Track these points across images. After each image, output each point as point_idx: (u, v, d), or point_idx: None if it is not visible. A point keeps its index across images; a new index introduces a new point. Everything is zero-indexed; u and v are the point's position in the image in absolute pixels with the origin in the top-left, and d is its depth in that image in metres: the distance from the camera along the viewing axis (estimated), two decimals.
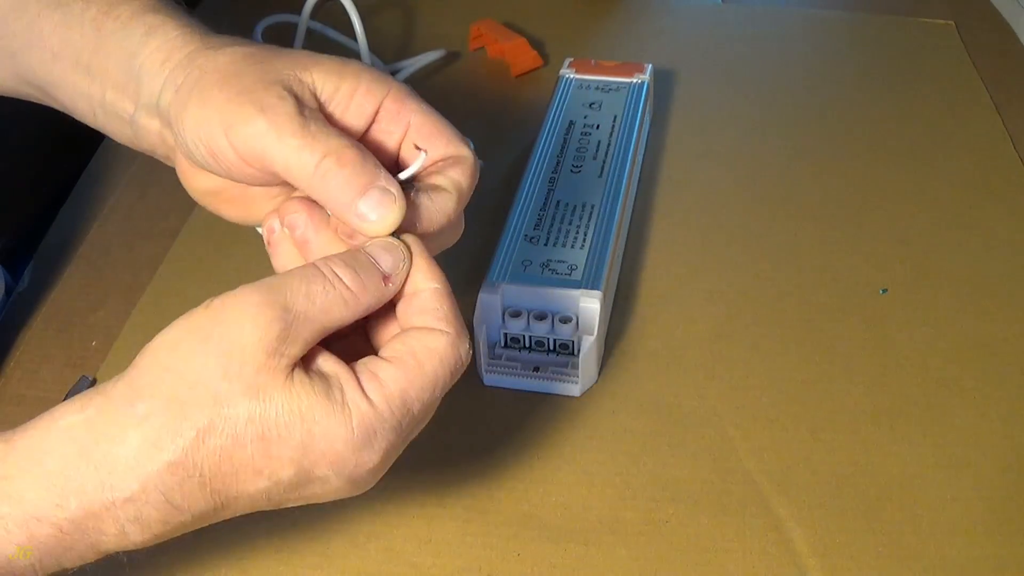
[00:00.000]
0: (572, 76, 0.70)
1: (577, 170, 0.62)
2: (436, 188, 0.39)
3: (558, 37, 0.82)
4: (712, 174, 0.69)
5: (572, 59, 0.72)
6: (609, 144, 0.64)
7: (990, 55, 0.81)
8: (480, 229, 0.61)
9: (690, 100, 0.76)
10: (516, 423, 0.52)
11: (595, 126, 0.65)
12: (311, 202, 0.39)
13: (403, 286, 0.37)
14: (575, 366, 0.52)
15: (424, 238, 0.38)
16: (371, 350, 0.37)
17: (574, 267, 0.54)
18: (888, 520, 0.47)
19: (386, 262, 0.36)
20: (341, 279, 0.35)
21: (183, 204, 0.66)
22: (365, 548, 0.46)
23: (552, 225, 0.57)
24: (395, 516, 0.47)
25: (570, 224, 0.57)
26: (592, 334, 0.52)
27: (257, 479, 0.34)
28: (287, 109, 0.37)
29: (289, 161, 0.37)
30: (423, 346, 0.36)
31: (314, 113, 0.38)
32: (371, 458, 0.35)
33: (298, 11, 0.73)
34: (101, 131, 0.45)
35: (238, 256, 0.62)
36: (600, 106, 0.67)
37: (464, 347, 0.37)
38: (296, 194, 0.40)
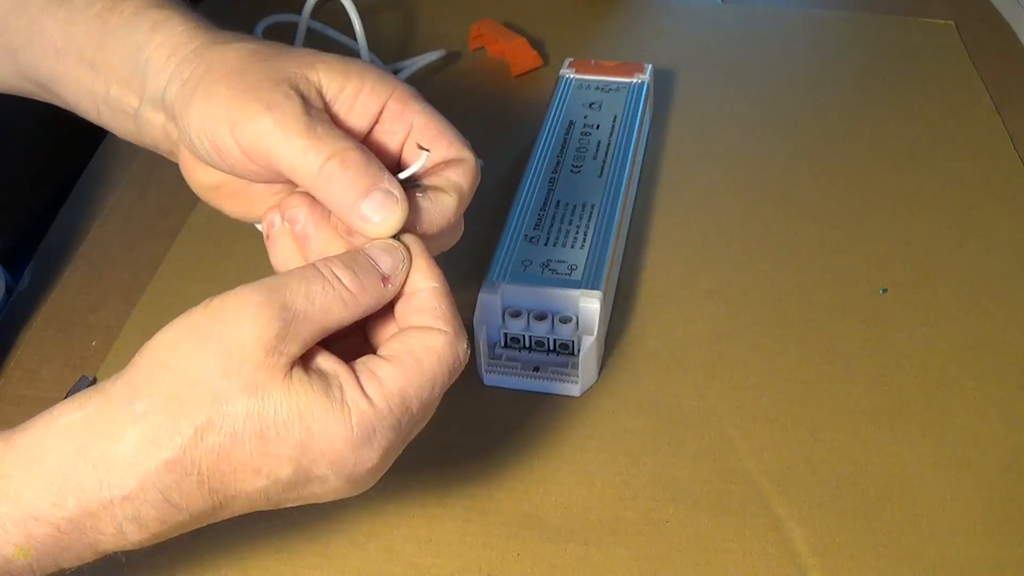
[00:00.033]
0: (572, 76, 0.70)
1: (577, 170, 0.62)
2: (437, 190, 0.39)
3: (558, 37, 0.82)
4: (712, 174, 0.69)
5: (572, 59, 0.72)
6: (609, 144, 0.64)
7: (990, 55, 0.81)
8: (480, 229, 0.61)
9: (690, 100, 0.76)
10: (516, 423, 0.52)
11: (595, 126, 0.65)
12: (312, 198, 0.39)
13: (402, 286, 0.37)
14: (575, 366, 0.52)
15: (424, 239, 0.38)
16: (370, 350, 0.37)
17: (574, 267, 0.54)
18: (888, 520, 0.47)
19: (385, 263, 0.37)
20: (340, 280, 0.35)
21: (183, 204, 0.66)
22: (365, 548, 0.46)
23: (552, 225, 0.57)
24: (395, 516, 0.47)
25: (570, 224, 0.57)
26: (592, 334, 0.52)
27: (256, 478, 0.34)
28: (294, 109, 0.37)
29: (294, 161, 0.37)
30: (422, 345, 0.36)
31: (320, 113, 0.38)
32: (370, 457, 0.35)
33: (298, 11, 0.73)
34: (104, 127, 0.45)
35: (238, 256, 0.62)
36: (600, 106, 0.67)
37: (462, 346, 0.37)
38: (298, 189, 0.40)
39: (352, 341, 0.38)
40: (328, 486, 0.35)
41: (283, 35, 0.74)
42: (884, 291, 0.59)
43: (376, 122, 0.40)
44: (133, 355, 0.34)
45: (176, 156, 0.43)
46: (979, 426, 0.51)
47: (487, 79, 0.78)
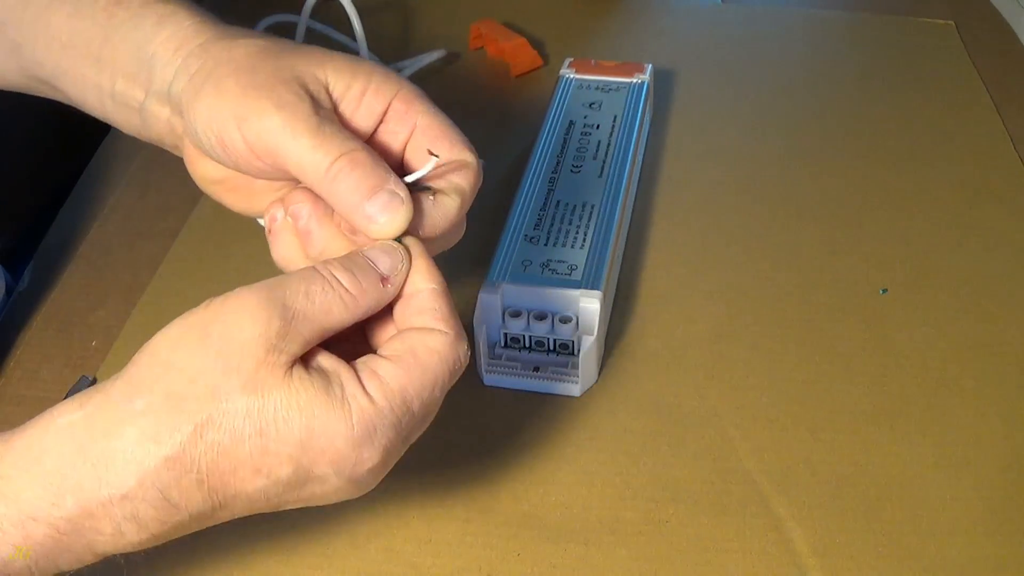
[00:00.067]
0: (572, 76, 0.70)
1: (577, 170, 0.62)
2: (439, 192, 0.39)
3: (558, 37, 0.82)
4: (712, 174, 0.69)
5: (572, 59, 0.72)
6: (609, 144, 0.64)
7: (990, 55, 0.81)
8: (480, 229, 0.61)
9: (690, 100, 0.76)
10: (516, 423, 0.52)
11: (595, 126, 0.65)
12: (316, 194, 0.39)
13: (402, 287, 0.37)
14: (575, 366, 0.52)
15: (426, 240, 0.38)
16: (371, 352, 0.37)
17: (574, 267, 0.54)
18: (888, 520, 0.47)
19: (384, 264, 0.37)
20: (339, 281, 0.35)
21: (183, 204, 0.66)
22: (365, 548, 0.46)
23: (552, 225, 0.57)
24: (395, 516, 0.47)
25: (570, 224, 0.57)
26: (592, 334, 0.52)
27: (255, 477, 0.33)
28: (303, 108, 0.37)
29: (302, 160, 0.37)
30: (423, 345, 0.36)
31: (328, 113, 0.38)
32: (371, 456, 0.34)
33: (298, 11, 0.73)
34: (109, 122, 0.45)
35: (238, 256, 0.62)
36: (600, 106, 0.67)
37: (463, 347, 0.37)
38: (301, 185, 0.40)
39: (352, 344, 0.38)
40: (328, 486, 0.35)
41: (283, 34, 0.73)
42: (884, 291, 0.59)
43: (381, 122, 0.40)
44: (133, 355, 0.34)
45: (180, 150, 0.43)
46: (979, 426, 0.51)
47: (487, 79, 0.78)
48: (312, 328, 0.34)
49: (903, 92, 0.77)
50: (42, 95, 0.47)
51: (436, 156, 0.38)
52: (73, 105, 0.46)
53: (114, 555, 0.34)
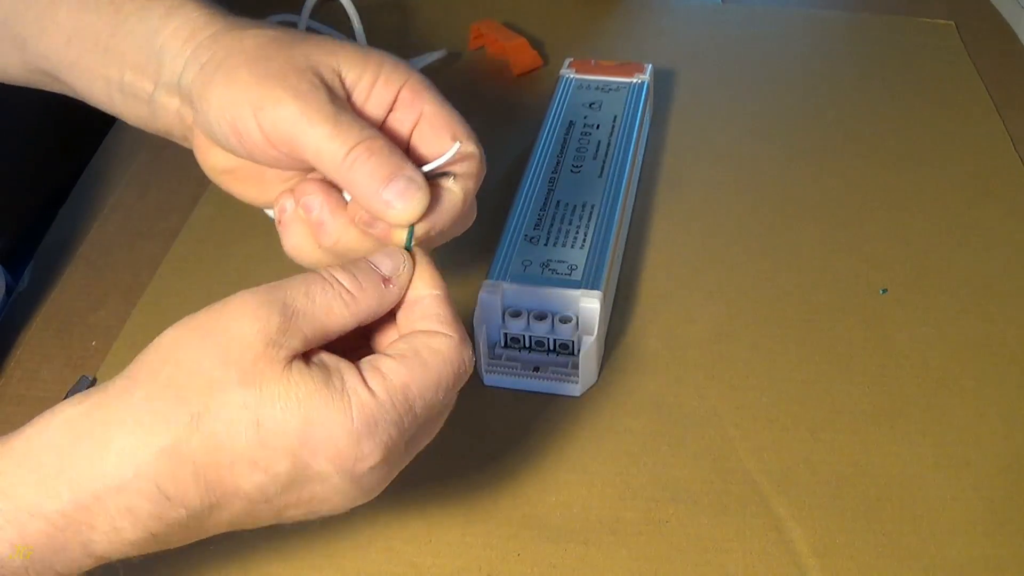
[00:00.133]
0: (572, 76, 0.70)
1: (577, 170, 0.62)
2: (457, 176, 0.39)
3: (558, 37, 0.82)
4: (712, 174, 0.69)
5: (572, 59, 0.72)
6: (609, 144, 0.64)
7: (990, 55, 0.81)
8: (480, 229, 0.61)
9: (690, 100, 0.76)
10: (516, 423, 0.52)
11: (595, 126, 0.65)
12: (327, 185, 0.39)
13: (406, 291, 0.37)
14: (575, 366, 0.52)
15: (434, 230, 0.39)
16: None
17: (574, 267, 0.54)
18: (888, 520, 0.47)
19: (386, 267, 0.37)
20: (340, 282, 0.35)
21: (183, 204, 0.66)
22: (366, 548, 0.46)
23: (552, 225, 0.57)
24: (395, 516, 0.47)
25: (570, 224, 0.57)
26: (592, 334, 0.52)
27: (253, 472, 0.33)
28: (319, 97, 0.38)
29: (320, 148, 0.37)
30: (427, 346, 0.36)
31: (343, 102, 0.39)
32: (372, 452, 0.34)
33: (298, 11, 0.73)
34: (116, 114, 0.45)
35: (238, 256, 0.62)
36: (600, 106, 0.67)
37: (467, 352, 0.37)
38: (312, 175, 0.40)
39: (357, 353, 0.38)
40: (329, 486, 0.34)
41: None
42: (884, 291, 0.59)
43: (390, 110, 0.41)
44: (133, 355, 0.34)
45: (189, 141, 0.43)
46: (979, 426, 0.51)
47: (487, 79, 0.78)
48: (313, 326, 0.34)
49: (903, 92, 0.77)
50: (46, 88, 0.47)
51: (458, 142, 0.39)
52: (78, 98, 0.46)
53: (112, 562, 0.34)
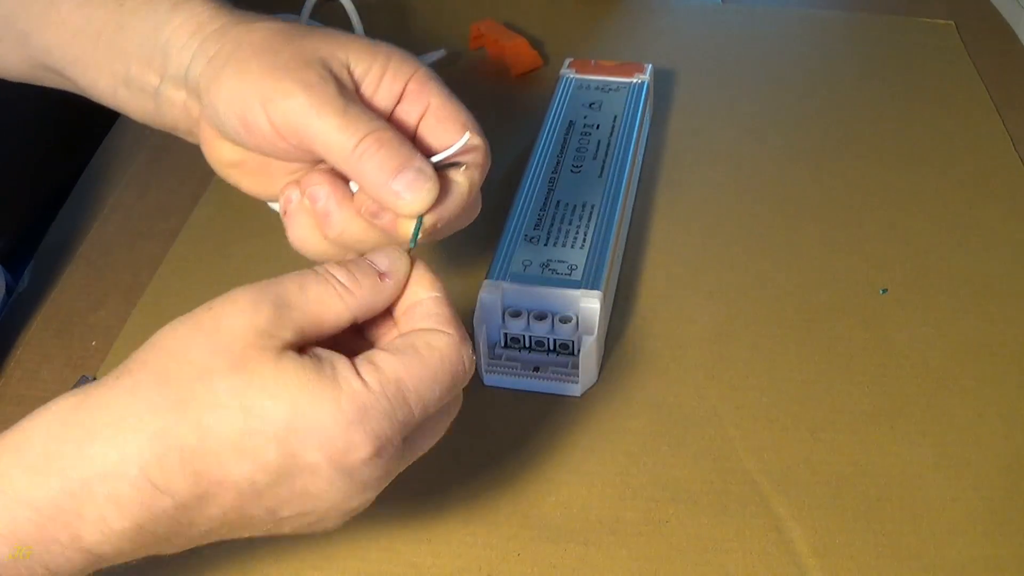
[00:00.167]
0: (572, 76, 0.70)
1: (577, 170, 0.62)
2: (467, 167, 0.39)
3: (558, 37, 0.82)
4: (712, 174, 0.69)
5: (572, 59, 0.72)
6: (609, 144, 0.64)
7: (990, 55, 0.81)
8: (480, 229, 0.61)
9: (690, 100, 0.76)
10: (516, 423, 0.52)
11: (595, 126, 0.65)
12: (333, 175, 0.40)
13: (404, 288, 0.37)
14: (575, 366, 0.52)
15: (441, 221, 0.39)
16: None
17: (574, 267, 0.54)
18: (888, 520, 0.47)
19: (383, 263, 0.37)
20: (335, 276, 0.35)
21: (183, 204, 0.66)
22: (365, 548, 0.46)
23: (552, 225, 0.57)
24: (395, 516, 0.47)
25: (570, 224, 0.57)
26: (592, 334, 0.52)
27: (240, 460, 0.32)
28: (328, 89, 0.38)
29: (329, 140, 0.37)
30: (424, 342, 0.36)
31: (352, 94, 0.39)
32: (362, 442, 0.33)
33: (298, 11, 0.73)
34: (119, 109, 0.45)
35: (238, 256, 0.62)
36: (600, 106, 0.67)
37: (466, 351, 0.36)
38: (320, 166, 0.40)
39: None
40: (322, 479, 0.34)
41: None
42: (884, 291, 0.59)
43: (397, 102, 0.41)
44: None
45: (194, 135, 0.43)
46: (979, 426, 0.51)
47: (487, 79, 0.78)
48: (306, 318, 0.34)
49: (903, 92, 0.77)
50: (49, 85, 0.47)
51: (467, 132, 0.39)
52: (82, 94, 0.46)
53: (103, 562, 0.33)
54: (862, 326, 0.57)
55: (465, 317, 0.38)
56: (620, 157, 0.62)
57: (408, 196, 0.37)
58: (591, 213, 0.58)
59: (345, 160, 0.38)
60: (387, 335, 0.38)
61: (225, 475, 0.33)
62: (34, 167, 0.70)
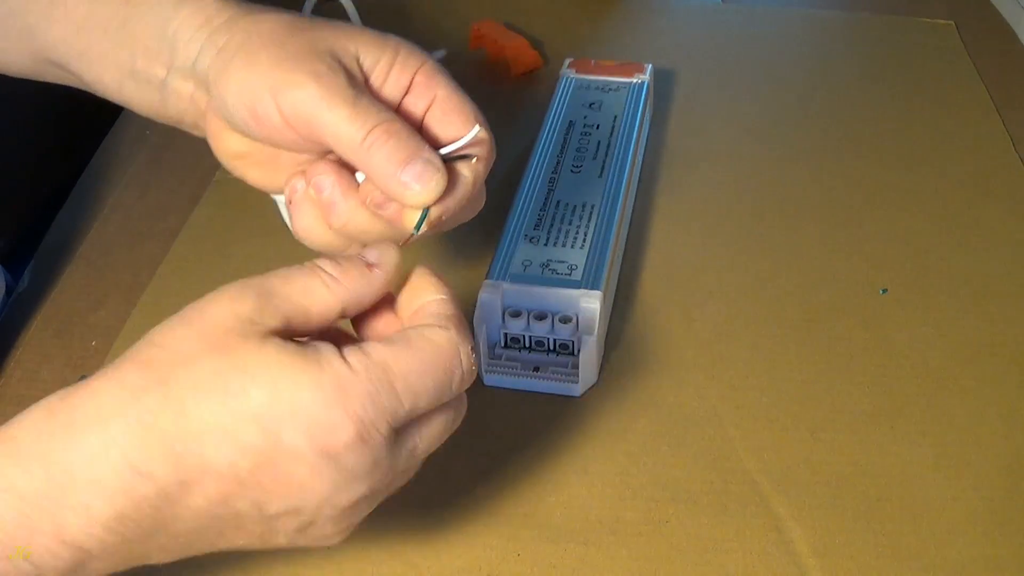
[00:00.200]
0: (572, 76, 0.70)
1: (577, 170, 0.62)
2: (477, 159, 0.40)
3: (558, 37, 0.82)
4: (712, 174, 0.69)
5: (572, 59, 0.72)
6: (609, 144, 0.64)
7: (990, 55, 0.81)
8: (480, 229, 0.61)
9: (690, 100, 0.76)
10: (516, 423, 0.52)
11: (595, 126, 0.65)
12: (339, 166, 0.40)
13: (393, 279, 0.37)
14: (575, 366, 0.52)
15: (446, 213, 0.39)
16: None
17: (574, 267, 0.54)
18: (888, 520, 0.47)
19: (372, 255, 0.37)
20: (322, 268, 0.35)
21: (183, 204, 0.66)
22: (365, 548, 0.46)
23: (552, 225, 0.57)
24: (395, 516, 0.47)
25: (570, 224, 0.57)
26: (592, 334, 0.52)
27: (221, 442, 0.32)
28: (338, 79, 0.38)
29: (339, 130, 0.38)
30: (419, 334, 0.35)
31: (361, 86, 0.39)
32: (343, 422, 0.32)
33: (298, 11, 0.73)
34: (124, 103, 0.45)
35: (238, 256, 0.62)
36: (600, 106, 0.67)
37: (464, 347, 0.36)
38: (330, 156, 0.40)
39: None
40: (304, 464, 0.32)
41: None
42: (884, 291, 0.59)
43: (405, 94, 0.41)
44: None
45: (200, 128, 0.43)
46: (979, 426, 0.51)
47: (487, 79, 0.78)
48: (292, 307, 0.34)
49: (903, 92, 0.77)
50: (53, 80, 0.47)
51: (477, 125, 0.39)
52: (86, 88, 0.46)
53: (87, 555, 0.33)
54: (862, 326, 0.57)
55: (465, 317, 0.38)
56: (620, 157, 0.62)
57: (416, 187, 0.37)
58: (591, 213, 0.58)
59: (354, 151, 0.38)
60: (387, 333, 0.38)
61: (206, 458, 0.32)
62: (34, 167, 0.70)
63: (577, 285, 0.53)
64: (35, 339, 0.57)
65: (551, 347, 0.53)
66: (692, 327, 0.57)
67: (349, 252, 0.39)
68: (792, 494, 0.48)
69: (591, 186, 0.60)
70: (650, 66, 0.71)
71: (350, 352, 0.34)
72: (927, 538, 0.46)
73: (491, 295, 0.52)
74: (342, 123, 0.37)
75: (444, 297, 0.37)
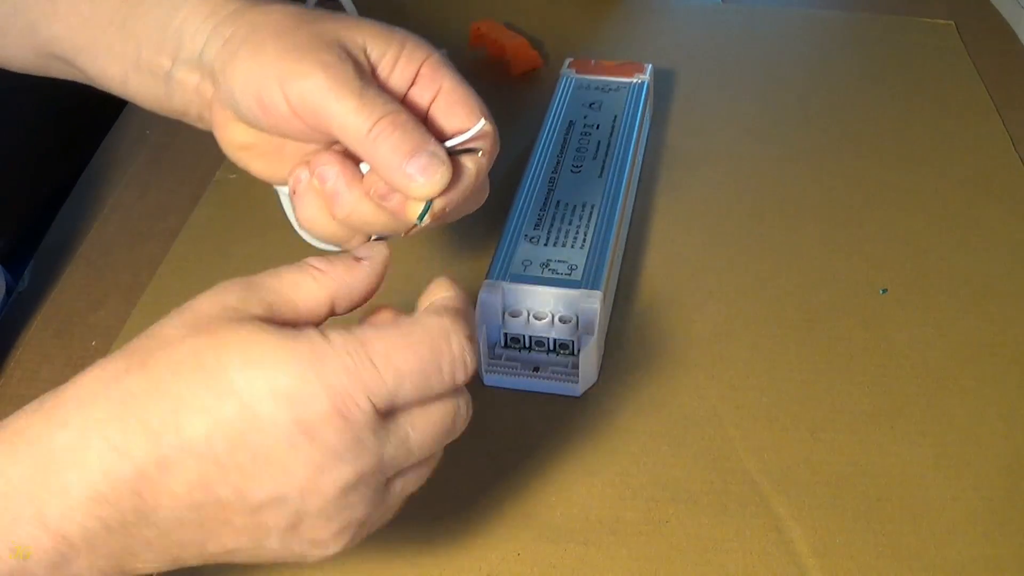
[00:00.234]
0: (572, 76, 0.70)
1: (577, 170, 0.62)
2: (484, 152, 0.40)
3: (558, 37, 0.82)
4: (712, 174, 0.69)
5: (572, 59, 0.72)
6: (609, 144, 0.64)
7: (990, 55, 0.81)
8: (480, 229, 0.61)
9: (690, 100, 0.76)
10: (516, 423, 0.52)
11: (595, 126, 0.65)
12: (343, 156, 0.40)
13: (381, 272, 0.37)
14: (575, 366, 0.52)
15: (450, 205, 0.39)
16: None
17: (574, 267, 0.54)
18: (888, 520, 0.47)
19: (362, 252, 0.37)
20: (310, 263, 0.35)
21: (183, 204, 0.66)
22: (365, 548, 0.46)
23: (552, 225, 0.57)
24: (395, 516, 0.47)
25: (570, 224, 0.57)
26: (592, 334, 0.52)
27: (197, 417, 0.31)
28: (347, 70, 0.38)
29: (345, 121, 0.38)
30: (409, 318, 0.35)
31: (368, 77, 0.39)
32: (318, 393, 0.31)
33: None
34: (127, 97, 0.45)
35: (238, 256, 0.62)
36: (600, 106, 0.67)
37: (457, 335, 0.34)
38: (335, 147, 0.40)
39: None
40: (281, 440, 0.32)
41: None
42: (884, 291, 0.59)
43: (410, 86, 0.41)
44: None
45: (204, 120, 0.43)
46: (979, 426, 0.51)
47: (487, 79, 0.78)
48: (278, 298, 0.34)
49: (903, 92, 0.77)
50: (56, 75, 0.47)
51: (483, 119, 0.40)
52: (90, 82, 0.46)
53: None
54: (862, 326, 0.57)
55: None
56: (620, 157, 0.62)
57: (420, 179, 0.37)
58: (591, 213, 0.58)
59: (360, 141, 0.38)
60: None
61: (185, 436, 0.31)
62: (34, 167, 0.70)
63: (577, 285, 0.53)
64: (35, 339, 0.57)
65: (551, 347, 0.53)
66: (692, 327, 0.57)
67: (349, 245, 0.39)
68: (792, 494, 0.48)
69: (591, 186, 0.60)
70: (650, 66, 0.71)
71: (331, 330, 0.33)
72: (927, 538, 0.46)
73: (491, 295, 0.52)
74: (349, 113, 0.38)
75: (452, 294, 0.37)
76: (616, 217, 0.57)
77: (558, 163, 0.62)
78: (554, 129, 0.65)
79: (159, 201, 0.67)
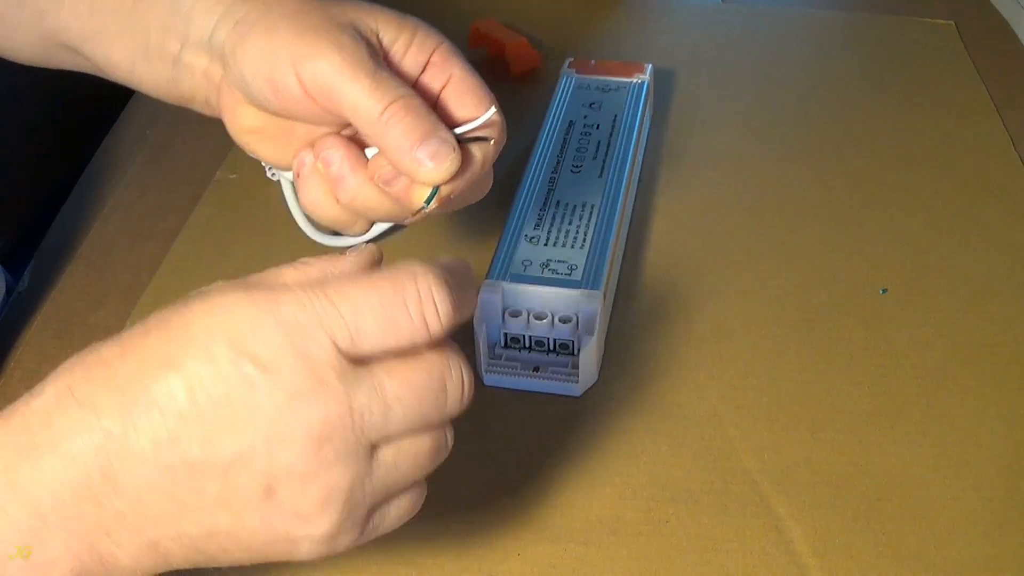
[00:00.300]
0: (572, 76, 0.70)
1: (577, 170, 0.62)
2: (493, 141, 0.40)
3: (558, 37, 0.82)
4: (712, 174, 0.69)
5: (572, 59, 0.72)
6: (609, 144, 0.64)
7: (990, 55, 0.81)
8: (480, 229, 0.61)
9: (690, 100, 0.76)
10: (516, 423, 0.52)
11: (595, 126, 0.65)
12: (348, 140, 0.40)
13: (365, 264, 0.36)
14: (575, 366, 0.52)
15: (454, 192, 0.39)
16: None
17: (574, 267, 0.54)
18: (888, 520, 0.47)
19: (354, 254, 0.37)
20: (303, 261, 0.35)
21: (183, 204, 0.66)
22: (365, 548, 0.46)
23: (552, 225, 0.57)
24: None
25: (570, 224, 0.57)
26: (592, 334, 0.52)
27: (160, 371, 0.31)
28: (361, 52, 0.38)
29: (358, 102, 0.38)
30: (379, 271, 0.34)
31: (381, 60, 0.39)
32: (273, 329, 0.31)
33: None
34: (133, 84, 0.45)
35: (238, 256, 0.62)
36: (600, 106, 0.67)
37: (424, 280, 0.32)
38: (345, 131, 0.41)
39: None
40: (240, 380, 0.31)
41: None
42: (884, 291, 0.59)
43: (421, 73, 0.41)
44: None
45: (211, 104, 0.43)
46: (979, 426, 0.51)
47: (487, 78, 0.78)
48: (257, 280, 0.34)
49: (903, 92, 0.77)
50: (62, 65, 0.47)
51: (492, 106, 0.40)
52: (96, 71, 0.46)
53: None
54: (862, 326, 0.57)
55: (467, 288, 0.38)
56: (620, 157, 0.62)
57: (429, 164, 0.38)
58: (591, 213, 0.58)
59: (371, 124, 0.38)
60: None
61: (147, 387, 0.31)
62: (34, 167, 0.70)
63: (577, 285, 0.53)
64: (35, 339, 0.57)
65: (551, 347, 0.53)
66: (692, 327, 0.57)
67: (352, 231, 0.39)
68: (792, 494, 0.48)
69: (591, 186, 0.60)
70: (650, 66, 0.71)
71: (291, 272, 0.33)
72: (927, 538, 0.46)
73: (491, 295, 0.52)
74: (362, 95, 0.38)
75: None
76: (616, 217, 0.57)
77: (558, 163, 0.62)
78: (554, 129, 0.65)
79: (159, 201, 0.66)
